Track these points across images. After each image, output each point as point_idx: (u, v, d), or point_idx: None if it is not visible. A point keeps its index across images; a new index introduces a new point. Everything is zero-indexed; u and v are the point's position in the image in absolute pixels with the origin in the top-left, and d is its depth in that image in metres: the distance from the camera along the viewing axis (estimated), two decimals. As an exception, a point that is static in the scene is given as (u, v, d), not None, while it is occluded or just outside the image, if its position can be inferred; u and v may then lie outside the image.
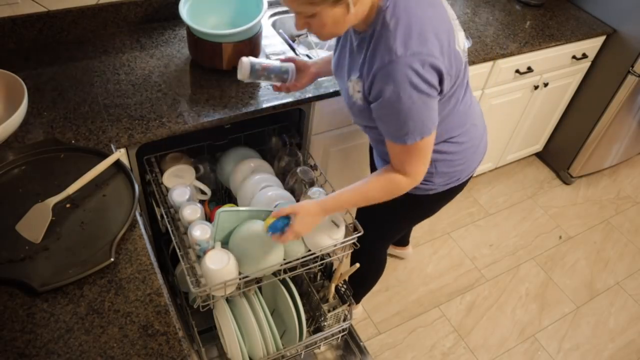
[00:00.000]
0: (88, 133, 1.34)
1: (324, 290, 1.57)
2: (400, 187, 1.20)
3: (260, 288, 1.50)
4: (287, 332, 1.49)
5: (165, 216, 1.39)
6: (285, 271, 1.34)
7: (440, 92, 1.11)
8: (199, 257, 1.26)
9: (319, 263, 1.38)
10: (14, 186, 1.18)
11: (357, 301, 1.98)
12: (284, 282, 1.45)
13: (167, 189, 1.43)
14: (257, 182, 1.46)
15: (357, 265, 1.46)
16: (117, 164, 1.25)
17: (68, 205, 1.16)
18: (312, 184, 1.50)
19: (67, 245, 1.08)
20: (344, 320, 1.56)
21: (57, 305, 0.99)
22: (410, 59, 1.02)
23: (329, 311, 1.51)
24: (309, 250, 1.33)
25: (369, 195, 1.22)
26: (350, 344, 1.70)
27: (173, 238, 1.32)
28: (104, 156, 1.24)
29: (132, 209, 1.15)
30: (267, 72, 1.36)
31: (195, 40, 1.54)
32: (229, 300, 1.42)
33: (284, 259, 1.31)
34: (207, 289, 1.21)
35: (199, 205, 1.34)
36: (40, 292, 0.99)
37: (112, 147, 1.31)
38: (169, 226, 1.35)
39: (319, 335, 1.51)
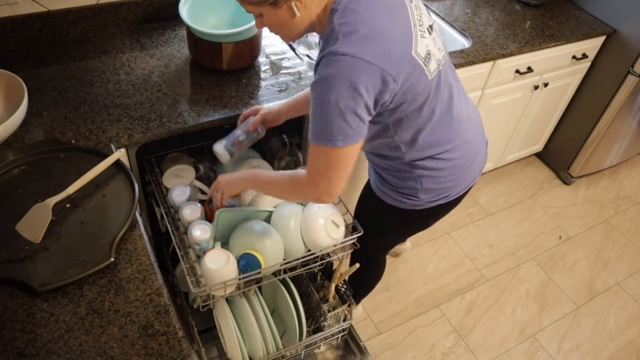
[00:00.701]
0: (88, 133, 1.34)
1: (324, 290, 1.57)
2: (299, 185, 1.15)
3: (260, 288, 1.50)
4: (287, 332, 1.49)
5: (165, 216, 1.39)
6: (285, 271, 1.34)
7: (384, 102, 1.06)
8: (199, 257, 1.26)
9: (319, 263, 1.38)
10: (14, 186, 1.18)
11: (357, 302, 1.99)
12: (284, 282, 1.45)
13: (167, 189, 1.43)
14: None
15: (357, 265, 1.46)
16: (117, 164, 1.25)
17: (68, 205, 1.16)
18: (312, 184, 1.49)
19: (67, 245, 1.08)
20: (344, 320, 1.56)
21: (57, 305, 0.99)
22: (351, 61, 0.98)
23: (329, 311, 1.51)
24: (309, 250, 1.33)
25: (277, 185, 1.20)
26: (350, 344, 1.70)
27: (173, 238, 1.32)
28: (104, 156, 1.24)
29: (132, 209, 1.16)
30: (242, 146, 1.40)
31: (195, 40, 1.54)
32: (229, 300, 1.42)
33: (284, 259, 1.31)
34: (207, 289, 1.21)
35: (198, 205, 1.34)
36: (40, 292, 0.99)
37: (112, 147, 1.31)
38: (169, 226, 1.35)
39: (319, 335, 1.51)
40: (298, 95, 1.42)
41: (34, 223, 1.10)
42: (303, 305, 1.45)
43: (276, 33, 1.13)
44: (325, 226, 1.30)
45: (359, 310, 2.06)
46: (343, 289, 1.56)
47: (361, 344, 1.68)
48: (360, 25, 1.01)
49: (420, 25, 1.10)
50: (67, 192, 1.15)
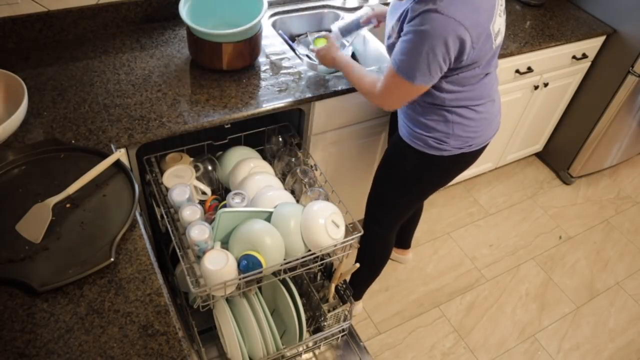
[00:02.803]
0: (88, 133, 1.34)
1: (324, 290, 1.57)
2: (369, 93, 1.41)
3: (260, 288, 1.50)
4: (287, 332, 1.49)
5: (165, 216, 1.39)
6: (285, 271, 1.34)
7: (459, 60, 1.26)
8: (199, 258, 1.26)
9: (319, 263, 1.38)
10: (14, 186, 1.18)
11: (363, 291, 2.02)
12: (284, 282, 1.45)
13: (167, 189, 1.43)
14: (257, 182, 1.46)
15: (357, 265, 1.47)
16: (117, 164, 1.25)
17: (68, 205, 1.16)
18: (312, 184, 1.50)
19: (67, 245, 1.08)
20: (344, 320, 1.56)
21: (57, 305, 0.99)
22: (445, 20, 1.17)
23: (329, 311, 1.51)
24: (309, 250, 1.33)
25: (356, 76, 1.46)
26: (350, 344, 1.70)
27: (173, 238, 1.32)
28: (104, 156, 1.24)
29: (132, 209, 1.16)
30: (353, 33, 1.71)
31: (195, 40, 1.54)
32: (229, 300, 1.42)
33: (284, 259, 1.31)
34: (206, 289, 1.21)
35: (198, 206, 1.34)
36: (40, 292, 0.99)
37: (112, 147, 1.31)
38: (168, 226, 1.35)
39: (319, 335, 1.51)
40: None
41: (34, 223, 1.10)
42: (303, 305, 1.45)
43: None
44: (325, 226, 1.30)
45: (359, 308, 2.06)
46: (343, 289, 1.56)
47: (361, 344, 1.68)
48: None
49: (501, 5, 1.31)
50: (67, 192, 1.15)
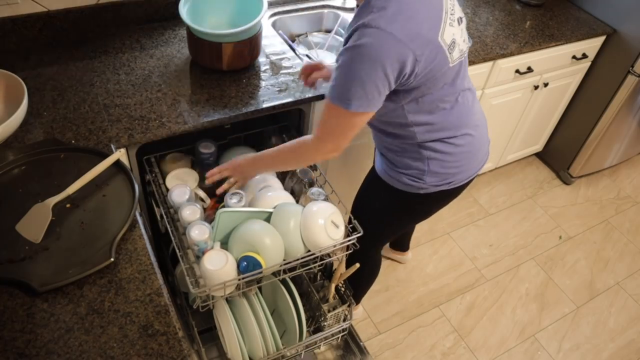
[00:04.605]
0: (88, 133, 1.35)
1: (324, 290, 1.57)
2: (306, 149, 1.26)
3: (260, 288, 1.50)
4: (287, 332, 1.49)
5: (165, 216, 1.39)
6: (285, 271, 1.34)
7: (404, 78, 1.12)
8: (198, 258, 1.26)
9: (319, 263, 1.38)
10: (14, 186, 1.18)
11: (356, 302, 1.98)
12: (284, 282, 1.45)
13: (167, 190, 1.43)
14: (256, 182, 1.46)
15: (357, 265, 1.46)
16: (117, 164, 1.25)
17: (68, 205, 1.16)
18: (311, 184, 1.50)
19: (67, 245, 1.08)
20: (344, 320, 1.56)
21: (57, 305, 0.99)
22: (380, 33, 1.04)
23: (329, 311, 1.51)
24: (309, 251, 1.33)
25: (282, 154, 1.31)
26: (350, 344, 1.70)
27: (173, 238, 1.32)
28: (104, 156, 1.24)
29: (132, 209, 1.16)
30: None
31: (195, 40, 1.54)
32: (229, 300, 1.42)
33: (284, 259, 1.31)
34: (206, 289, 1.21)
35: (198, 206, 1.34)
36: (40, 292, 0.99)
37: (112, 147, 1.32)
38: (168, 226, 1.35)
39: (319, 335, 1.51)
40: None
41: (34, 223, 1.10)
42: (303, 305, 1.45)
43: None
44: (324, 227, 1.30)
45: (359, 311, 2.06)
46: (343, 289, 1.56)
47: (361, 344, 1.68)
48: (394, 2, 1.06)
49: (451, 14, 1.17)
50: (67, 192, 1.15)
